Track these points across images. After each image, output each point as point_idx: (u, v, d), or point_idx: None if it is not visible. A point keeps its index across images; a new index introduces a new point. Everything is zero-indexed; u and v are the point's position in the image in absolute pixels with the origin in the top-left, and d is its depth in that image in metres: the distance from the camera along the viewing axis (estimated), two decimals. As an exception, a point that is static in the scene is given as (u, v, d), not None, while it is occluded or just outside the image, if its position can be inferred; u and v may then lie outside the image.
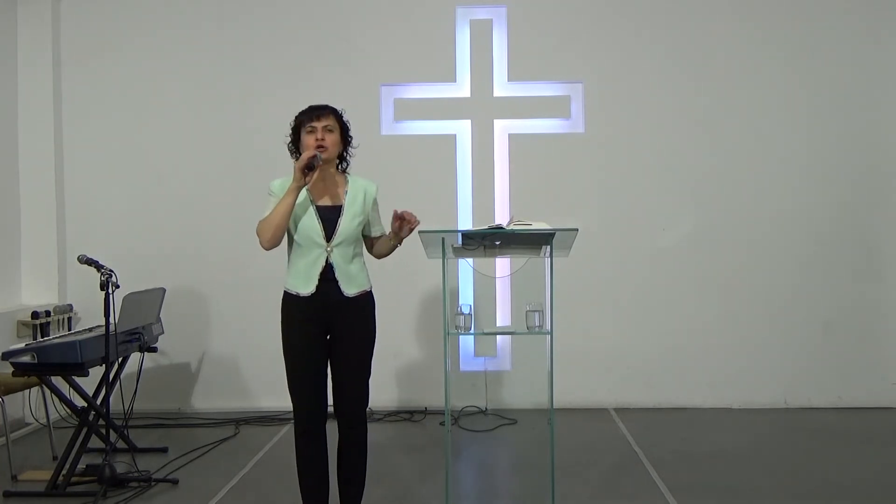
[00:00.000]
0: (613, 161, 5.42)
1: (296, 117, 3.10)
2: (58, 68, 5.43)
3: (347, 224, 3.04)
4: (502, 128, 5.43)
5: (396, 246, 3.18)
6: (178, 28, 5.48)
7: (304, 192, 3.00)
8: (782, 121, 5.40)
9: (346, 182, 3.13)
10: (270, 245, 2.99)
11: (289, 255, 3.08)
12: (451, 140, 5.44)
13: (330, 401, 3.10)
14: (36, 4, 5.36)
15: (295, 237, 3.04)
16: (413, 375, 5.39)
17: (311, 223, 3.00)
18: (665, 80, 5.42)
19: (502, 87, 5.42)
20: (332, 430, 3.09)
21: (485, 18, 5.45)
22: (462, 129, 5.43)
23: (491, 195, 5.42)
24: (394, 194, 5.20)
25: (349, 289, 3.04)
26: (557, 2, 5.47)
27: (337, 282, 3.01)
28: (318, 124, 3.02)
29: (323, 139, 3.01)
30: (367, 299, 3.13)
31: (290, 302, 3.04)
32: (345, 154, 3.16)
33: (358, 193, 3.11)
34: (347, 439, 3.11)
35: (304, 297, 3.00)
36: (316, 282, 3.00)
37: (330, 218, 3.03)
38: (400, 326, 5.41)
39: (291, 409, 3.08)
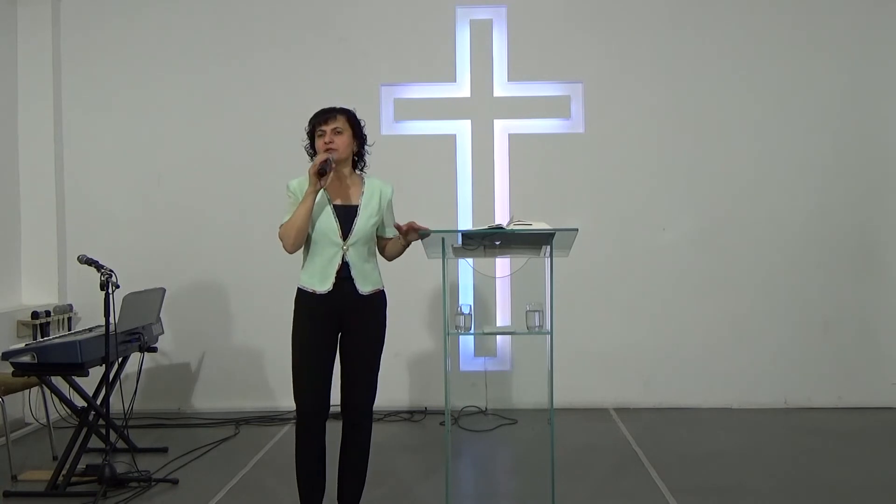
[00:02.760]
0: (613, 161, 5.42)
1: (309, 122, 3.16)
2: (58, 68, 5.43)
3: (363, 224, 3.08)
4: (502, 128, 5.43)
5: (405, 247, 3.22)
6: (177, 28, 5.48)
7: (322, 192, 3.05)
8: (782, 120, 5.40)
9: (363, 182, 3.18)
10: (294, 249, 3.05)
11: (304, 252, 3.12)
12: (451, 140, 5.44)
13: (336, 399, 3.12)
14: (36, 5, 5.36)
15: (312, 235, 3.07)
16: (413, 375, 5.39)
17: (328, 222, 3.04)
18: (665, 81, 5.42)
19: (502, 87, 5.42)
20: (333, 429, 3.10)
21: (485, 18, 5.45)
22: (462, 129, 5.43)
23: (491, 195, 5.42)
24: (394, 194, 5.27)
25: (364, 287, 3.09)
26: (557, 2, 5.47)
27: (353, 280, 3.06)
28: (327, 127, 3.08)
29: (331, 142, 3.05)
30: (380, 297, 3.17)
31: (305, 299, 3.08)
32: (361, 152, 3.22)
33: (374, 194, 3.15)
34: (352, 436, 3.14)
35: (319, 295, 3.04)
36: (332, 279, 3.04)
37: (346, 217, 3.07)
38: (400, 326, 5.32)
39: (293, 408, 3.10)
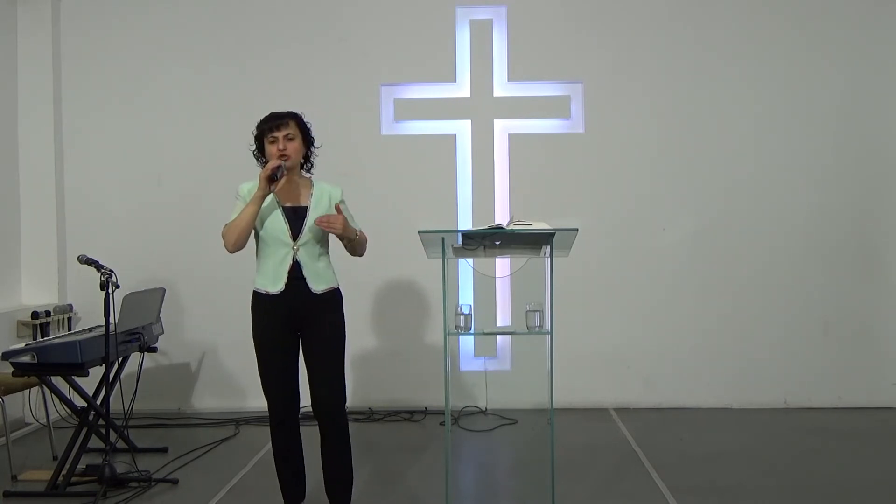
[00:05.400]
0: (613, 161, 5.42)
1: (257, 126, 3.18)
2: (58, 68, 5.43)
3: (312, 224, 3.10)
4: (502, 128, 5.43)
5: (351, 241, 3.18)
6: (177, 28, 5.48)
7: (271, 195, 3.08)
8: (782, 121, 5.40)
9: (311, 185, 3.21)
10: (234, 249, 3.10)
11: (257, 255, 3.17)
12: (451, 140, 5.44)
13: (307, 401, 3.15)
14: (36, 4, 5.36)
15: (262, 236, 3.12)
16: (413, 375, 5.39)
17: (277, 223, 3.09)
18: (665, 81, 5.42)
19: (502, 87, 5.42)
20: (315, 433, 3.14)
21: (485, 18, 5.45)
22: (462, 129, 5.43)
23: (491, 195, 5.42)
24: (394, 194, 5.28)
25: (317, 286, 3.11)
26: (557, 2, 5.47)
27: (305, 279, 3.09)
28: (279, 134, 3.10)
29: (285, 148, 3.08)
30: (335, 295, 3.19)
31: (260, 300, 3.14)
32: (309, 155, 3.25)
33: (323, 196, 3.18)
34: (330, 437, 3.15)
35: (273, 296, 3.09)
36: (284, 280, 3.08)
37: (296, 218, 3.11)
38: (400, 326, 5.41)
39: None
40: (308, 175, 3.27)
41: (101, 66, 5.48)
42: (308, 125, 3.21)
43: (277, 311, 3.09)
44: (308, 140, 3.21)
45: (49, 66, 5.38)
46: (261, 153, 3.18)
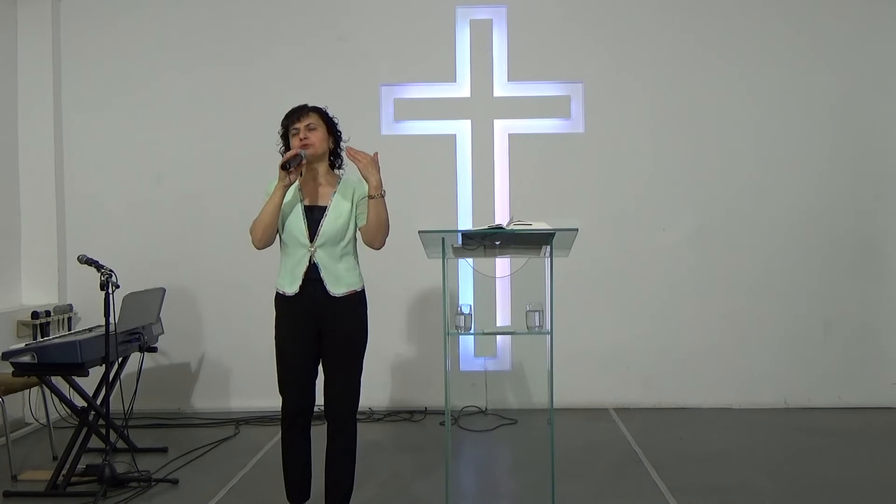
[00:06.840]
0: (613, 161, 5.42)
1: (281, 123, 3.15)
2: (58, 68, 5.43)
3: (330, 225, 3.05)
4: (502, 128, 5.43)
5: (381, 207, 3.03)
6: (177, 28, 5.48)
7: (296, 192, 3.05)
8: (782, 120, 5.40)
9: (338, 182, 3.15)
10: (262, 244, 3.07)
11: (280, 254, 3.14)
12: (451, 140, 5.44)
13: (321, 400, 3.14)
14: (36, 4, 5.36)
15: (282, 237, 3.09)
16: (413, 375, 5.39)
17: (296, 223, 3.05)
18: (665, 81, 5.42)
19: (502, 87, 5.42)
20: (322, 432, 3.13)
21: (485, 18, 5.45)
22: (462, 129, 5.43)
23: (491, 195, 5.42)
24: (394, 194, 5.26)
25: (336, 288, 3.05)
26: (557, 2, 5.47)
27: (322, 281, 3.03)
28: (301, 124, 3.07)
29: (306, 138, 3.04)
30: (356, 299, 3.12)
31: (279, 301, 3.10)
32: (337, 150, 3.20)
33: (346, 194, 3.12)
34: (336, 441, 3.13)
35: (290, 297, 3.05)
36: (300, 281, 3.03)
37: (315, 218, 3.06)
38: (400, 326, 5.41)
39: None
40: (338, 172, 3.21)
41: (101, 67, 5.48)
42: (334, 119, 3.16)
43: (294, 313, 3.05)
44: (334, 133, 3.15)
45: (49, 66, 5.38)
46: (287, 150, 3.12)
